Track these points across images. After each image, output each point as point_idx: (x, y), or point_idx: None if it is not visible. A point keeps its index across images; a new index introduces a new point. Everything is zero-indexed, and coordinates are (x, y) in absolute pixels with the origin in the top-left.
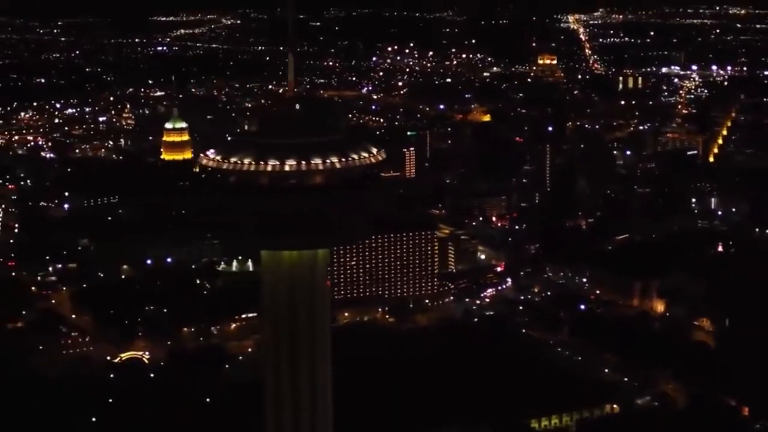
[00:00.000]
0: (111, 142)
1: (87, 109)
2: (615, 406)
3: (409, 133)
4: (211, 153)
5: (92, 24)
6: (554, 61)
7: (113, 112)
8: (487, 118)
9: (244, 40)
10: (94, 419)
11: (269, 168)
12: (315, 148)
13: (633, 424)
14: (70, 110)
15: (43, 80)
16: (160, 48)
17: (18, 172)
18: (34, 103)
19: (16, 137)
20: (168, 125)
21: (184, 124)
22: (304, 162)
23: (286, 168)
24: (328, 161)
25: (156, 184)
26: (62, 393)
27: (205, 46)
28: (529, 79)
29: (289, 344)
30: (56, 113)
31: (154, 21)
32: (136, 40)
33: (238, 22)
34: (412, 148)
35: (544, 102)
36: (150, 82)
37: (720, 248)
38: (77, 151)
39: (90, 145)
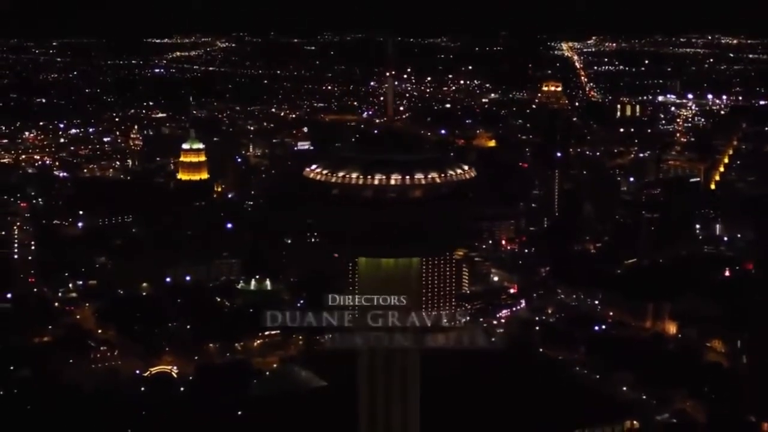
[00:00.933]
0: (118, 163)
1: (91, 130)
2: (635, 422)
3: None
4: (316, 167)
5: (87, 45)
6: (559, 88)
7: (117, 133)
8: (492, 143)
9: (241, 64)
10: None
11: (376, 182)
12: (417, 164)
13: None
14: (73, 130)
15: (44, 100)
16: (157, 70)
17: (29, 190)
18: (40, 123)
19: (23, 156)
20: (185, 146)
21: (201, 145)
22: (408, 177)
23: (392, 182)
24: (429, 176)
25: (170, 204)
26: (97, 405)
27: (201, 69)
28: (534, 106)
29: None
30: (60, 133)
31: (149, 43)
32: (133, 61)
33: (233, 45)
34: None
35: (548, 128)
36: (151, 103)
37: (727, 272)
38: (85, 170)
39: (98, 165)
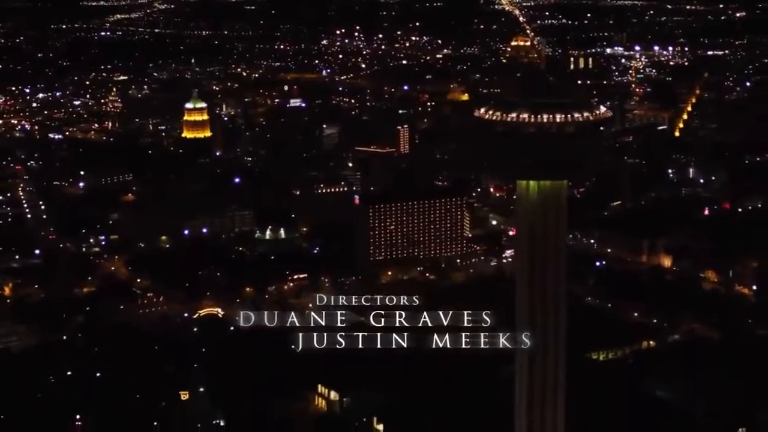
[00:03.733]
0: (96, 125)
1: (58, 94)
2: (652, 342)
3: (401, 111)
4: (486, 110)
5: (21, 9)
6: (528, 43)
7: (88, 96)
8: (465, 97)
9: (185, 25)
10: (195, 365)
11: (544, 120)
12: (572, 105)
13: (681, 352)
14: (41, 95)
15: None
16: (103, 33)
17: (18, 153)
18: (6, 88)
19: (0, 121)
20: (188, 105)
21: (203, 104)
22: (568, 115)
23: (557, 120)
24: (583, 115)
25: (175, 162)
26: (161, 345)
27: (148, 31)
28: (504, 60)
29: (540, 250)
30: (28, 98)
31: (85, 6)
32: (76, 25)
33: (172, 6)
34: (406, 126)
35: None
36: (109, 66)
37: (707, 211)
38: (67, 133)
39: (77, 127)
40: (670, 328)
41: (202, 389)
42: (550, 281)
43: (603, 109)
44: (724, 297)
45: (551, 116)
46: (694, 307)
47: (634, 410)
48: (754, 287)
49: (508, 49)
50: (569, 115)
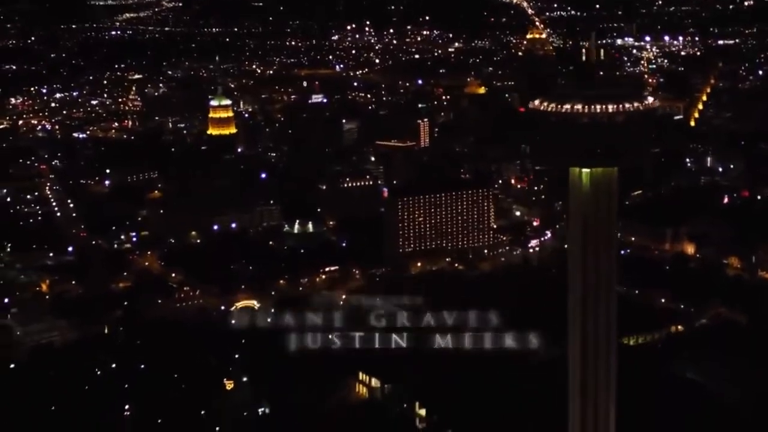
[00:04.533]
0: (116, 124)
1: (74, 93)
2: (680, 327)
3: (420, 105)
4: (541, 102)
5: (27, 11)
6: (543, 36)
7: (105, 95)
8: (482, 90)
9: (194, 22)
10: (237, 356)
11: (597, 110)
12: (623, 96)
13: (709, 336)
14: (58, 95)
15: (14, 66)
16: (113, 32)
17: (41, 153)
18: (23, 89)
19: (21, 122)
20: (213, 102)
21: (228, 101)
22: (619, 106)
23: (610, 110)
24: (634, 105)
25: (195, 159)
26: (201, 336)
27: (158, 29)
28: (519, 53)
29: (592, 237)
30: (45, 98)
31: (92, 5)
32: (86, 25)
33: (180, 4)
34: (426, 119)
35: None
36: (122, 65)
37: (726, 199)
38: (88, 132)
39: (98, 126)
40: (697, 313)
41: (245, 379)
42: (603, 267)
43: (651, 99)
44: (748, 282)
45: (603, 106)
46: (720, 293)
47: (668, 391)
48: None
49: (524, 42)
50: (620, 105)
